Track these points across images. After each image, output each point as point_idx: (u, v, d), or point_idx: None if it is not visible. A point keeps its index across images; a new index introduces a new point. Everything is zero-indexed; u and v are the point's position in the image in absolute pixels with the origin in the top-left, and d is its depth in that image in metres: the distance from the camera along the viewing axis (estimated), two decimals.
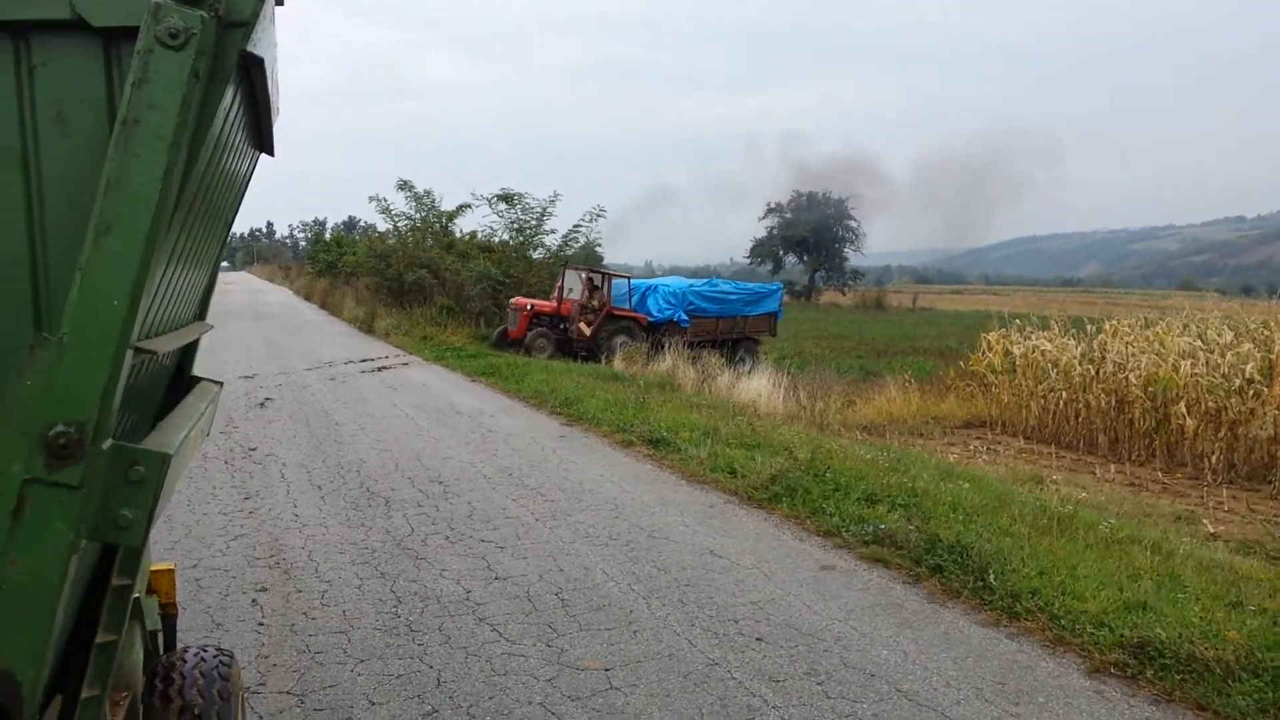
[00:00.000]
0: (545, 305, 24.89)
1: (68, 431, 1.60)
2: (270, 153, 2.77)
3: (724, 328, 26.52)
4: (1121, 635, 5.53)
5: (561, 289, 25.38)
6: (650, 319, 25.07)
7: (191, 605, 5.94)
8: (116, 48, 1.79)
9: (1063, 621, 5.80)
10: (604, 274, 25.77)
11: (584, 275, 25.47)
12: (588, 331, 23.96)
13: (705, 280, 28.85)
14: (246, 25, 1.81)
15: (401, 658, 5.28)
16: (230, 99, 1.99)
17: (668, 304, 25.39)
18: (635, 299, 25.42)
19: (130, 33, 1.71)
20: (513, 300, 25.36)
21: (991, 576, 6.38)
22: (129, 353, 1.68)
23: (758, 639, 5.62)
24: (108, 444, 1.67)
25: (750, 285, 29.39)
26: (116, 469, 1.70)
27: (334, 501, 8.57)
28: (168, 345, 2.26)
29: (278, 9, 2.72)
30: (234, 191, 2.66)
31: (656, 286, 26.09)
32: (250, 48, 1.86)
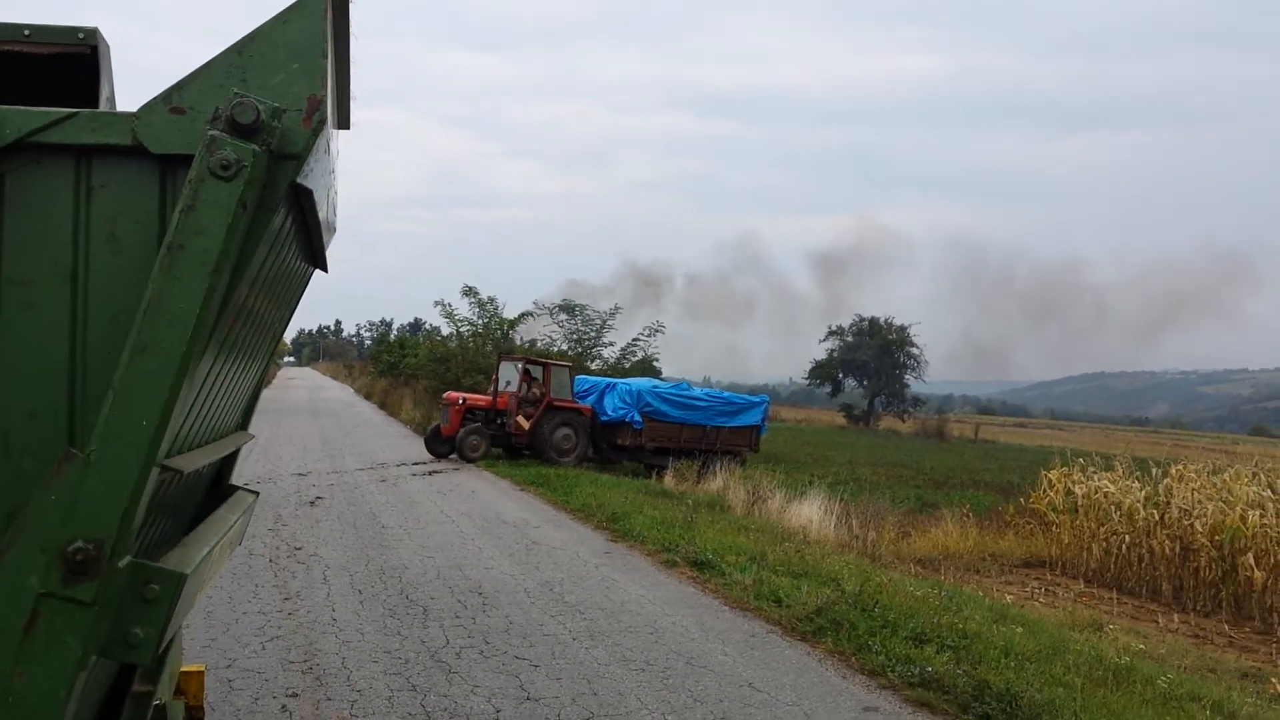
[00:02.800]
0: (480, 399, 23.23)
1: (86, 548, 1.62)
2: (324, 269, 2.85)
3: (689, 436, 24.63)
4: None
5: (497, 382, 23.77)
6: (603, 417, 23.77)
7: (221, 706, 5.89)
8: (173, 174, 1.87)
9: None
10: (543, 363, 24.11)
11: (520, 366, 23.76)
12: (526, 425, 22.31)
13: (674, 384, 27.40)
14: (299, 158, 1.89)
15: None
16: (279, 226, 2.06)
17: (623, 403, 23.90)
18: (593, 398, 24.19)
19: (187, 160, 1.79)
20: (445, 395, 23.96)
21: None
22: (154, 471, 1.71)
23: None
24: (125, 561, 1.68)
25: (727, 394, 27.73)
26: (132, 587, 1.71)
27: (372, 607, 8.52)
28: (197, 462, 2.29)
29: (343, 131, 2.83)
30: (283, 307, 2.73)
31: (615, 384, 24.73)
32: (301, 179, 1.93)
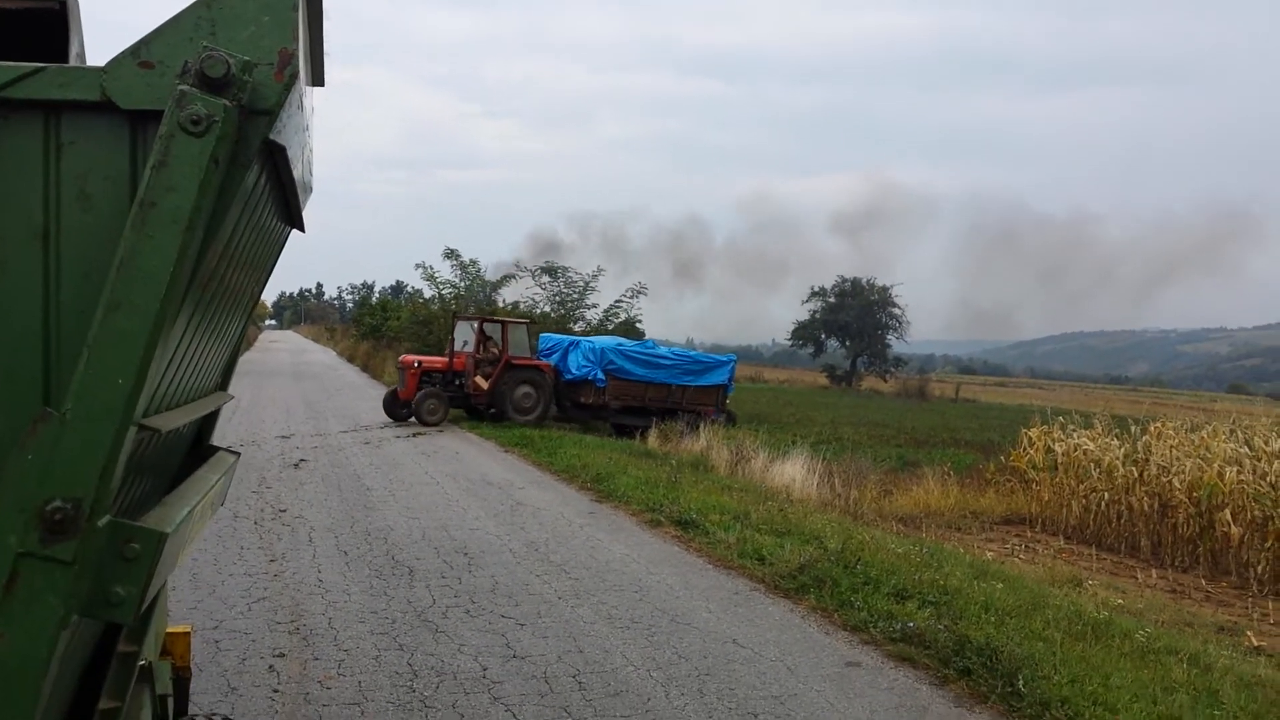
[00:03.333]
0: (436, 361, 22.82)
1: (64, 507, 1.61)
2: (301, 229, 2.82)
3: (654, 395, 24.27)
4: None
5: (453, 343, 23.29)
6: (567, 376, 23.39)
7: (209, 668, 5.91)
8: (143, 130, 1.84)
9: None
10: (500, 321, 23.69)
11: (476, 325, 23.29)
12: (485, 385, 21.97)
13: (639, 342, 26.87)
14: (270, 114, 1.86)
15: None
16: (252, 183, 2.03)
17: (586, 361, 23.41)
18: (557, 355, 23.84)
19: (157, 116, 1.76)
20: (400, 358, 23.41)
21: (1021, 682, 6.18)
22: (132, 430, 1.70)
23: None
24: (104, 520, 1.67)
25: (694, 353, 27.37)
26: (112, 546, 1.71)
27: (358, 568, 8.54)
28: (175, 421, 2.28)
29: (317, 89, 2.79)
30: (259, 268, 2.70)
31: (579, 342, 24.31)
32: (274, 135, 1.91)
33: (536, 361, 22.94)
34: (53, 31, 2.55)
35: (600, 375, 23.15)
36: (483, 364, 22.16)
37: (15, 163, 1.83)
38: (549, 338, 25.10)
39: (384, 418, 22.15)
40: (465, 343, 22.90)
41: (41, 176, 1.84)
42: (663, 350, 25.56)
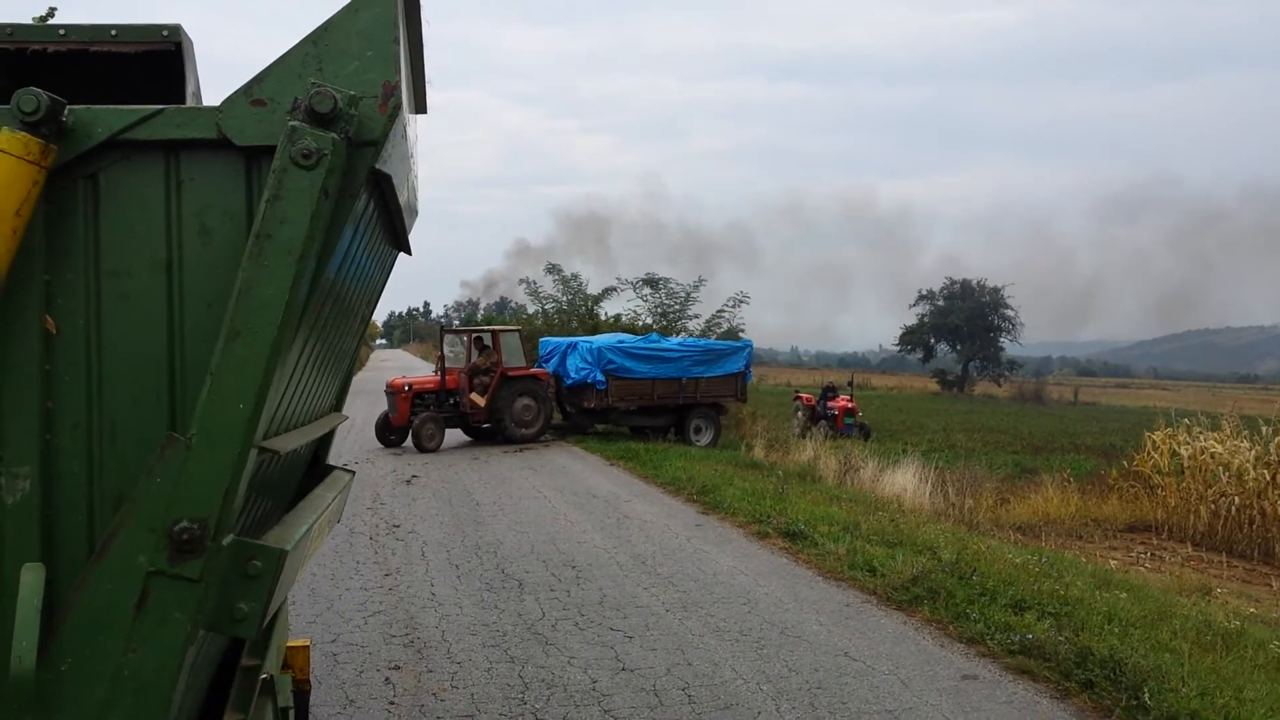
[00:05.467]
0: (427, 382, 20.80)
1: (191, 527, 1.70)
2: (408, 252, 2.90)
3: (664, 391, 22.24)
4: None
5: (443, 360, 21.31)
6: (567, 380, 21.69)
7: (328, 680, 6.09)
8: (257, 165, 1.93)
9: None
10: (491, 331, 21.58)
11: (466, 337, 21.57)
12: (482, 401, 20.17)
13: (644, 336, 24.80)
14: (376, 144, 1.93)
15: None
16: (361, 211, 2.11)
17: (584, 363, 21.52)
18: (555, 360, 22.18)
19: (270, 151, 1.84)
20: (389, 381, 21.01)
21: (1146, 695, 5.93)
22: (253, 452, 1.78)
23: None
24: (228, 539, 1.75)
25: (704, 342, 25.34)
26: (235, 563, 1.79)
27: (469, 582, 8.70)
28: (293, 443, 2.37)
29: (421, 117, 2.87)
30: (369, 290, 2.79)
31: (577, 344, 22.29)
32: (380, 165, 1.97)
33: (533, 370, 21.33)
34: (170, 71, 2.68)
35: (600, 377, 21.38)
36: (477, 375, 20.51)
37: (139, 200, 1.94)
38: (548, 342, 23.52)
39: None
40: (454, 359, 21.26)
41: (164, 212, 1.94)
42: (669, 342, 23.82)
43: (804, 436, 25.43)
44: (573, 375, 21.56)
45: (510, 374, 20.40)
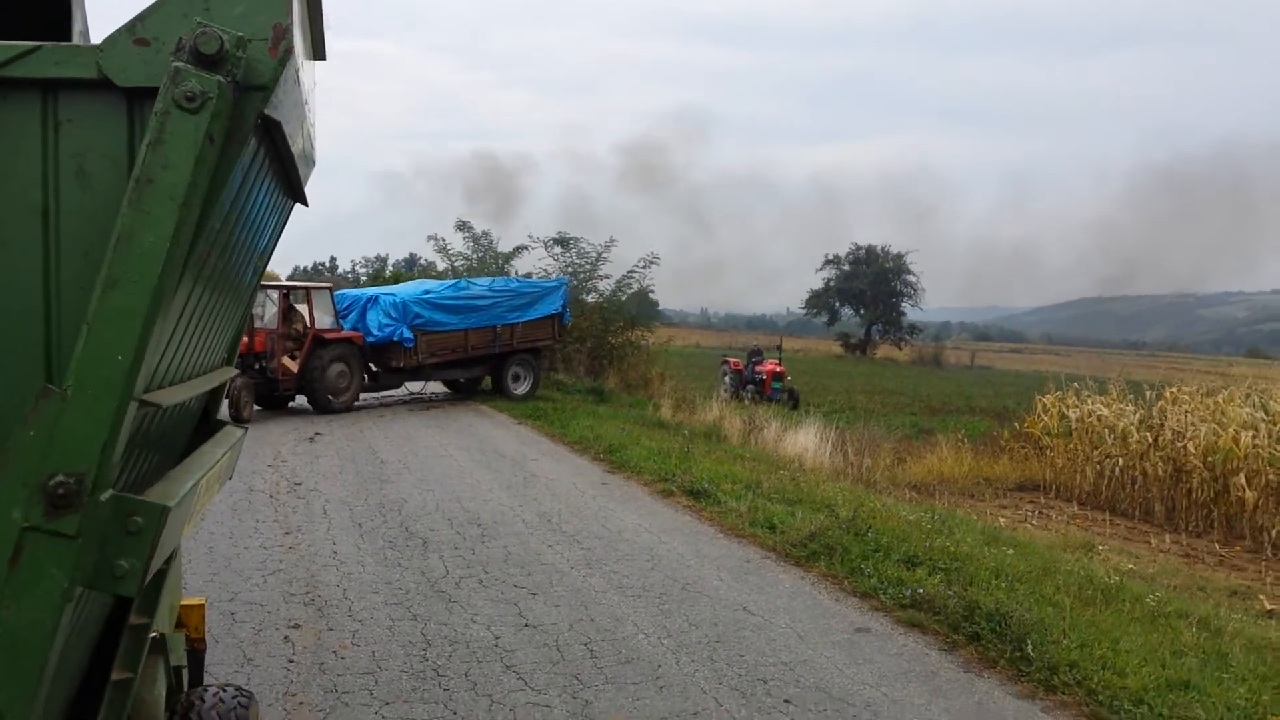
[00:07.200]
0: None
1: (67, 482, 1.65)
2: (304, 202, 2.84)
3: (478, 341, 20.77)
4: (1160, 714, 5.35)
5: (252, 320, 18.38)
6: (370, 338, 19.30)
7: (225, 639, 6.00)
8: (140, 107, 1.86)
9: (1100, 697, 5.62)
10: (304, 288, 19.50)
11: (277, 295, 18.62)
12: (294, 367, 18.07)
13: (448, 283, 22.68)
14: (265, 89, 1.87)
15: (427, 702, 5.27)
16: (250, 158, 2.05)
17: (388, 318, 19.47)
18: (354, 316, 19.71)
19: (153, 93, 1.77)
20: None
21: (1030, 647, 6.21)
22: (133, 405, 1.73)
23: (786, 701, 5.53)
24: (107, 495, 1.71)
25: (517, 283, 23.11)
26: (115, 519, 1.74)
27: (373, 540, 8.63)
28: (177, 397, 2.31)
29: (319, 63, 2.80)
30: (263, 241, 2.72)
31: (378, 297, 20.04)
32: (270, 110, 1.92)
33: (347, 333, 19.00)
34: (55, 9, 2.57)
35: (407, 333, 19.48)
36: (287, 341, 18.31)
37: (13, 141, 1.85)
38: (346, 295, 20.84)
39: (397, 392, 21.37)
40: (261, 318, 18.40)
41: (40, 154, 1.86)
42: (478, 286, 21.68)
43: (736, 399, 25.55)
44: (375, 333, 19.42)
45: (323, 336, 18.30)
